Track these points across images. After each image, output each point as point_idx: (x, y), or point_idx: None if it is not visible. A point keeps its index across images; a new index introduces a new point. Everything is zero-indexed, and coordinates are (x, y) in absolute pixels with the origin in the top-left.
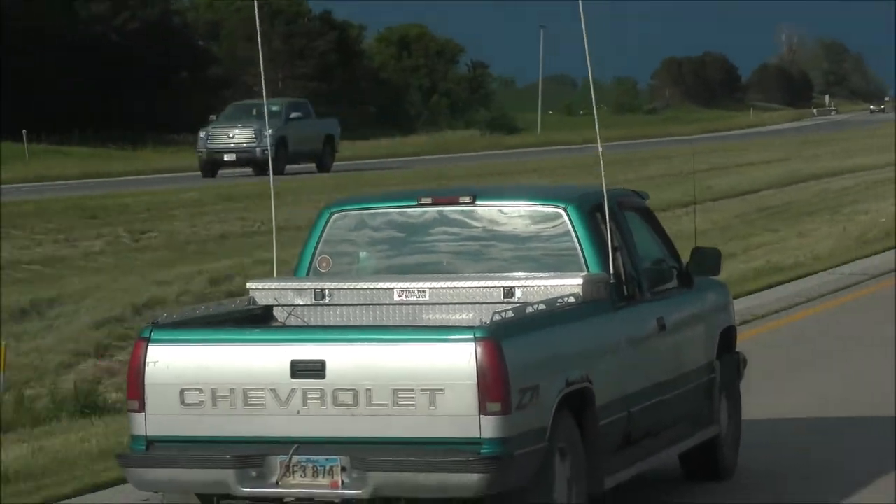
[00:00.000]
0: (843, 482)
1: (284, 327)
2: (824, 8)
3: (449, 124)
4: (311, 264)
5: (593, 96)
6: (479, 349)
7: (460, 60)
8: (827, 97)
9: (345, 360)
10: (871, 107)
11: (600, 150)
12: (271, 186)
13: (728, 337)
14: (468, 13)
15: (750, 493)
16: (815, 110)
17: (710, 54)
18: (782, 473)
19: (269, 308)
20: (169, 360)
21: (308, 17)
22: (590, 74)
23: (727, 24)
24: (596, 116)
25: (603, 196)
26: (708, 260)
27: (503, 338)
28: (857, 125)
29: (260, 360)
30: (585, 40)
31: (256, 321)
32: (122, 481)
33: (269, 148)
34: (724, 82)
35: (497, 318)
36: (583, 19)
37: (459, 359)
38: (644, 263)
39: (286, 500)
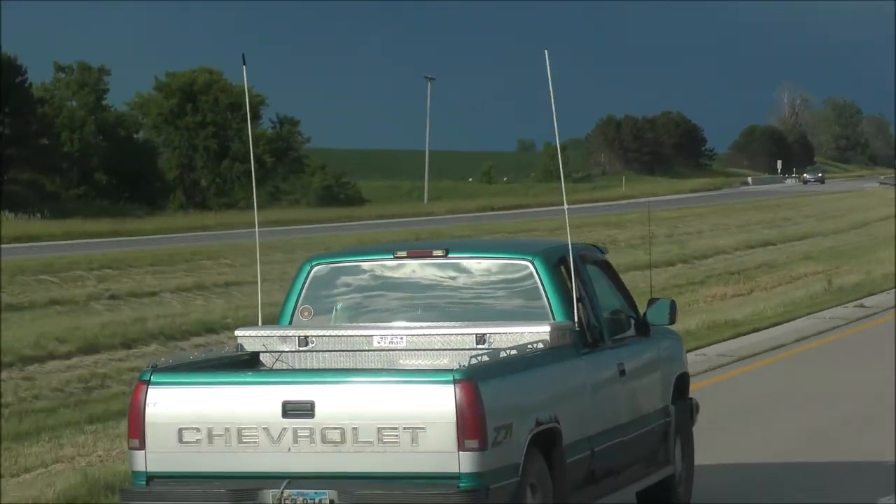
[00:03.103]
0: None
1: (274, 371)
2: (836, 70)
3: (247, 195)
4: (293, 314)
5: (560, 162)
6: (458, 390)
7: (263, 115)
8: (780, 162)
9: (333, 400)
10: (806, 175)
11: (566, 209)
12: (257, 241)
13: (682, 383)
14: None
15: None
16: (750, 178)
17: (667, 114)
18: None
19: (255, 354)
20: (168, 402)
21: None
22: (556, 141)
23: (722, 82)
24: (563, 182)
25: (567, 250)
26: (663, 310)
27: (480, 380)
28: (778, 195)
29: (253, 400)
30: (553, 100)
31: (245, 366)
32: None
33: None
34: (680, 145)
35: (474, 361)
36: (549, 78)
37: (440, 399)
38: (605, 313)
39: None
